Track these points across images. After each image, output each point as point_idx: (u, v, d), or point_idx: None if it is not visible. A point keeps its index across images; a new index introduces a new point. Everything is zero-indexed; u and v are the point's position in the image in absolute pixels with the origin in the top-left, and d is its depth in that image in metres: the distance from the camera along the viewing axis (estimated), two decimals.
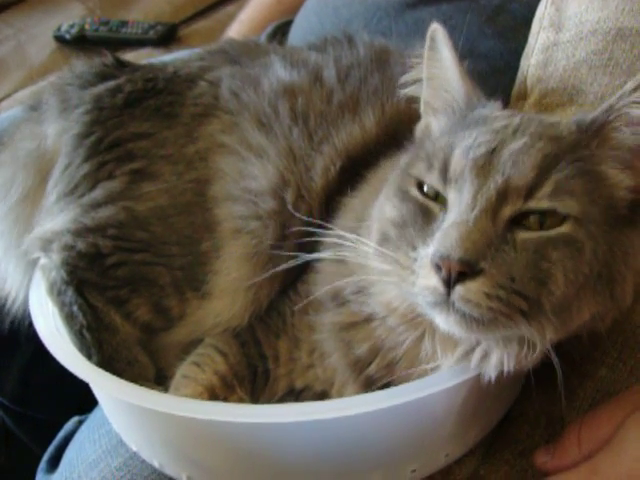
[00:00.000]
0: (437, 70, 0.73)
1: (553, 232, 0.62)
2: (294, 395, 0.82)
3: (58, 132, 0.93)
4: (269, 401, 0.83)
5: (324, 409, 0.67)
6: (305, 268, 0.83)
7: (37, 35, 1.98)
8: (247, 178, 0.85)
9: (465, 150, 0.64)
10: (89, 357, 0.81)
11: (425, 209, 0.66)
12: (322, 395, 0.80)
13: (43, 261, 0.88)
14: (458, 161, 0.64)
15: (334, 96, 0.88)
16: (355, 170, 0.83)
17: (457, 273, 0.59)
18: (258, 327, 0.86)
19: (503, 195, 0.62)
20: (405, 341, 0.71)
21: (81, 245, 0.84)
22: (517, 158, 0.63)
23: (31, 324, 0.84)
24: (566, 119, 0.69)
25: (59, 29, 1.93)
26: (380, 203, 0.72)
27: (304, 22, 1.41)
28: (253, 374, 0.84)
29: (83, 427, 1.02)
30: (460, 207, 0.62)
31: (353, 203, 0.81)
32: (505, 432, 0.82)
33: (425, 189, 0.67)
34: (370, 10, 1.22)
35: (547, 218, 0.62)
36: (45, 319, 0.84)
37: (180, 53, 1.16)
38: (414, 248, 0.64)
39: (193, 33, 1.97)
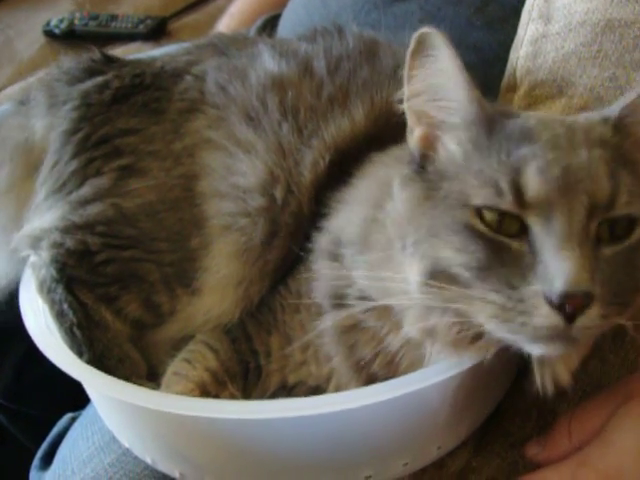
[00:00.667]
0: (437, 79, 0.66)
1: (633, 239, 0.62)
2: (287, 390, 0.82)
3: (46, 128, 0.92)
4: (261, 397, 0.83)
5: (316, 404, 0.67)
6: (295, 263, 0.83)
7: (26, 30, 1.97)
8: (235, 174, 0.84)
9: (538, 172, 0.60)
10: (80, 355, 0.81)
11: (501, 243, 0.61)
12: (315, 390, 0.80)
13: (33, 259, 0.88)
14: (536, 185, 0.60)
15: (324, 89, 0.87)
16: (344, 164, 0.83)
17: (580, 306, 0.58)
18: (249, 323, 0.85)
19: (591, 213, 0.60)
20: (425, 353, 0.70)
21: (70, 242, 0.84)
22: (591, 172, 0.60)
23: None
24: (593, 118, 0.68)
25: (48, 24, 1.92)
26: (421, 240, 0.65)
27: (292, 15, 1.41)
28: (245, 370, 0.84)
29: (76, 424, 1.02)
30: (557, 236, 0.59)
31: (347, 211, 0.78)
32: (497, 424, 0.82)
33: (487, 218, 0.62)
34: (358, 2, 1.22)
35: (619, 225, 0.62)
36: (35, 317, 0.84)
37: (170, 47, 1.16)
38: (513, 287, 0.59)
39: (183, 27, 1.96)
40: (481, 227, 0.61)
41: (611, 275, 0.60)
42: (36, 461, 1.04)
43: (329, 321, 0.76)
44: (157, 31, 1.91)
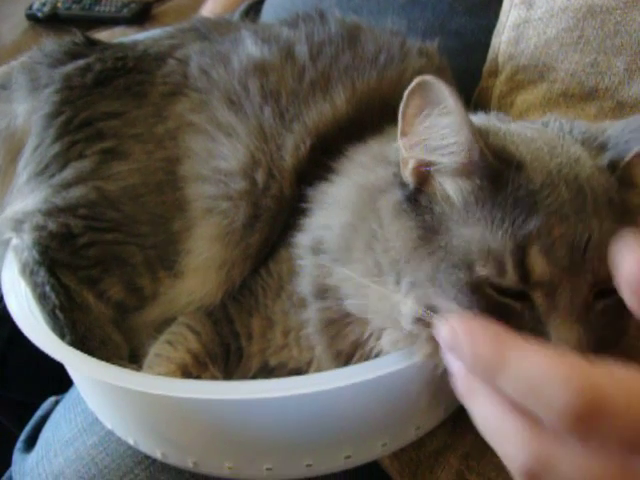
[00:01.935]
0: (437, 125, 0.62)
1: None
2: (267, 372, 0.83)
3: (28, 111, 0.92)
4: (243, 378, 0.83)
5: (295, 385, 0.67)
6: (276, 246, 0.84)
7: (9, 14, 1.95)
8: (217, 158, 0.85)
9: (544, 254, 0.58)
10: (62, 337, 0.81)
11: (506, 305, 0.60)
12: (296, 372, 0.81)
13: (15, 242, 0.88)
14: (541, 268, 0.58)
15: (306, 73, 0.88)
16: (326, 149, 0.83)
17: None
18: (231, 305, 0.86)
19: (592, 287, 0.59)
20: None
21: (52, 225, 0.84)
22: (598, 251, 0.59)
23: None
24: (598, 166, 0.65)
25: (31, 7, 1.91)
26: (419, 284, 0.63)
27: (276, 0, 1.40)
28: (226, 352, 0.85)
29: (59, 406, 1.03)
30: (559, 313, 0.59)
31: (326, 212, 0.77)
32: None
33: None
34: None
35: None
36: (18, 300, 0.83)
37: (154, 32, 1.15)
38: None
39: (167, 11, 1.95)
40: (487, 290, 0.60)
41: (601, 327, 0.60)
42: (19, 443, 1.04)
43: (312, 313, 0.77)
44: (141, 15, 1.90)
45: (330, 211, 0.77)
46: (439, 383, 0.72)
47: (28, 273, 0.85)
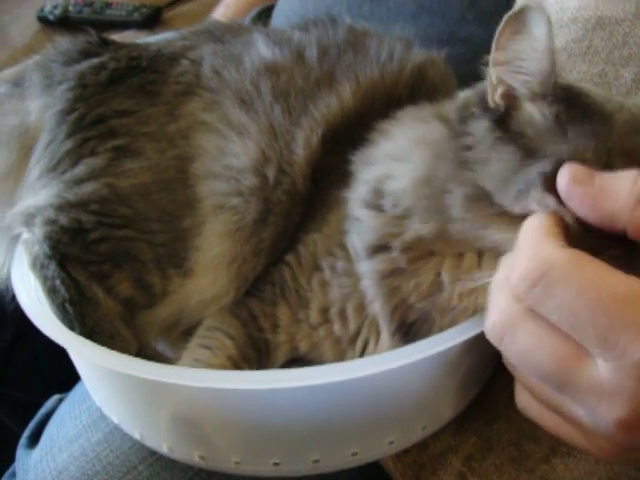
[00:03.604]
0: (528, 52, 0.65)
1: None
2: (293, 362, 0.84)
3: (41, 108, 0.93)
4: None
5: (308, 376, 0.67)
6: (298, 236, 0.85)
7: (20, 16, 1.96)
8: (228, 156, 0.85)
9: (627, 164, 0.62)
10: (71, 330, 0.81)
11: None
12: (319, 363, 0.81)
13: (26, 236, 0.89)
14: None
15: (312, 73, 0.89)
16: (338, 140, 0.84)
17: None
18: (252, 303, 0.86)
19: None
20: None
21: (64, 220, 0.85)
22: None
23: (14, 301, 0.84)
24: None
25: (42, 10, 1.92)
26: None
27: (286, 6, 1.41)
28: (258, 353, 0.85)
29: (64, 403, 1.03)
30: None
31: (383, 165, 0.78)
32: (474, 402, 0.83)
33: None
34: None
35: None
36: (28, 292, 0.84)
37: (164, 35, 1.16)
38: None
39: (178, 16, 1.96)
40: None
41: None
42: (23, 440, 1.04)
43: (368, 266, 0.76)
44: (152, 19, 1.91)
45: (384, 164, 0.77)
46: (450, 380, 0.73)
47: (38, 267, 0.85)
